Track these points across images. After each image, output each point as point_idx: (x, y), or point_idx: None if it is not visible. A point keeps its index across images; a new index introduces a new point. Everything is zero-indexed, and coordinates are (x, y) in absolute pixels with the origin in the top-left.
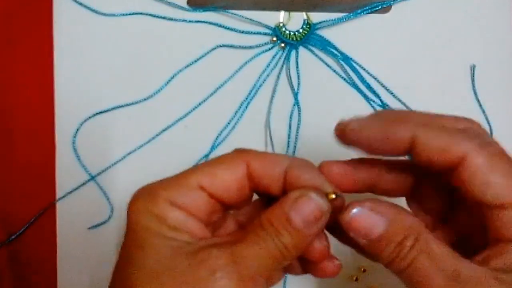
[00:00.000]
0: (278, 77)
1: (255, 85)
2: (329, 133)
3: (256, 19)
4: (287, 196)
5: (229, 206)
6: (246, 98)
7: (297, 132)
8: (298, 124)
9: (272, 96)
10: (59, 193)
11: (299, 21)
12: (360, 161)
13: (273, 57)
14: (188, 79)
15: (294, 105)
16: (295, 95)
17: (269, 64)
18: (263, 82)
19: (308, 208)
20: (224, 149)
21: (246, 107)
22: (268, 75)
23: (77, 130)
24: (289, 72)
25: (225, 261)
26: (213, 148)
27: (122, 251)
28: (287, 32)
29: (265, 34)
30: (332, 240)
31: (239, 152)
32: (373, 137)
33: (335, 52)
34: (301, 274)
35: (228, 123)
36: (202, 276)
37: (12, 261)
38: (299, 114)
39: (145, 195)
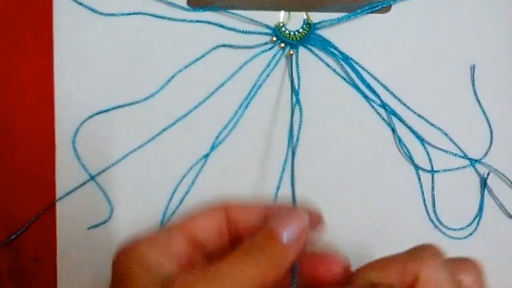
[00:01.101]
0: (278, 77)
1: (255, 85)
2: (328, 133)
3: (256, 19)
4: (274, 214)
5: (210, 252)
6: (246, 98)
7: (298, 132)
8: (300, 124)
9: (272, 96)
10: (59, 193)
11: (299, 21)
12: None
13: (273, 57)
14: (188, 79)
15: (295, 105)
16: (296, 94)
17: (269, 64)
18: (263, 82)
19: (295, 223)
20: (224, 149)
21: (246, 107)
22: (268, 75)
23: (77, 130)
24: (289, 72)
25: (201, 284)
26: (213, 148)
27: None
28: (287, 32)
29: (265, 34)
30: (332, 241)
31: (218, 202)
32: None
33: (335, 52)
34: None
35: (228, 123)
36: None
37: (12, 261)
38: (300, 114)
39: (130, 246)
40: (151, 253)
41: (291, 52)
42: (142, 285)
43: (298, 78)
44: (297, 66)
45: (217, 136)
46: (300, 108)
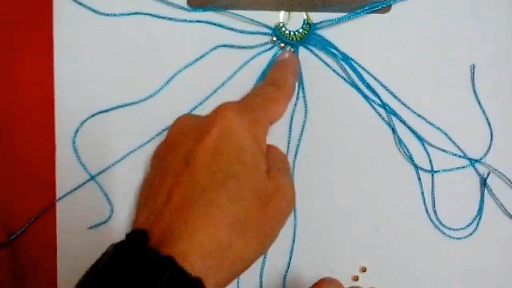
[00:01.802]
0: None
1: (255, 85)
2: (328, 133)
3: (256, 19)
4: None
5: None
6: None
7: (301, 131)
8: (303, 123)
9: None
10: (59, 193)
11: (299, 21)
12: None
13: (273, 57)
14: (188, 79)
15: (295, 105)
16: (303, 94)
17: (269, 64)
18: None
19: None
20: None
21: None
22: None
23: (77, 130)
24: None
25: (288, 183)
26: None
27: (220, 160)
28: (287, 32)
29: (265, 34)
30: (331, 241)
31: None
32: None
33: (335, 52)
34: None
35: None
36: (276, 194)
37: (12, 261)
38: (306, 113)
39: (249, 117)
40: (264, 143)
41: (282, 45)
42: (251, 156)
43: (301, 78)
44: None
45: None
46: (306, 108)
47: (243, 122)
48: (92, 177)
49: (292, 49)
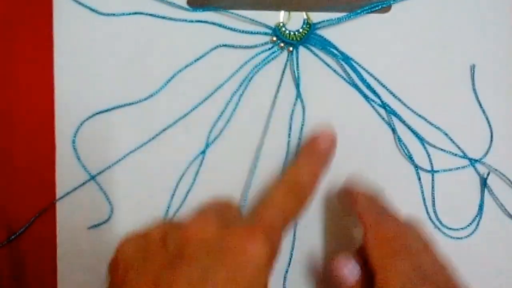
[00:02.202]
0: (278, 77)
1: (256, 85)
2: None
3: (256, 19)
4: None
5: None
6: (242, 95)
7: (300, 132)
8: (302, 122)
9: (272, 96)
10: (59, 193)
11: (299, 21)
12: None
13: (274, 57)
14: (188, 79)
15: (294, 104)
16: (297, 90)
17: (269, 63)
18: (263, 82)
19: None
20: (224, 148)
21: (246, 107)
22: (268, 75)
23: (77, 130)
24: (291, 70)
25: None
26: (207, 145)
27: (226, 275)
28: (287, 32)
29: (265, 34)
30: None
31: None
32: None
33: (335, 52)
34: None
35: (228, 122)
36: None
37: (12, 261)
38: (303, 114)
39: (262, 242)
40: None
41: (290, 49)
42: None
43: (298, 78)
44: (297, 66)
45: (217, 136)
46: (303, 108)
47: (267, 264)
48: (92, 177)
49: (331, 135)
